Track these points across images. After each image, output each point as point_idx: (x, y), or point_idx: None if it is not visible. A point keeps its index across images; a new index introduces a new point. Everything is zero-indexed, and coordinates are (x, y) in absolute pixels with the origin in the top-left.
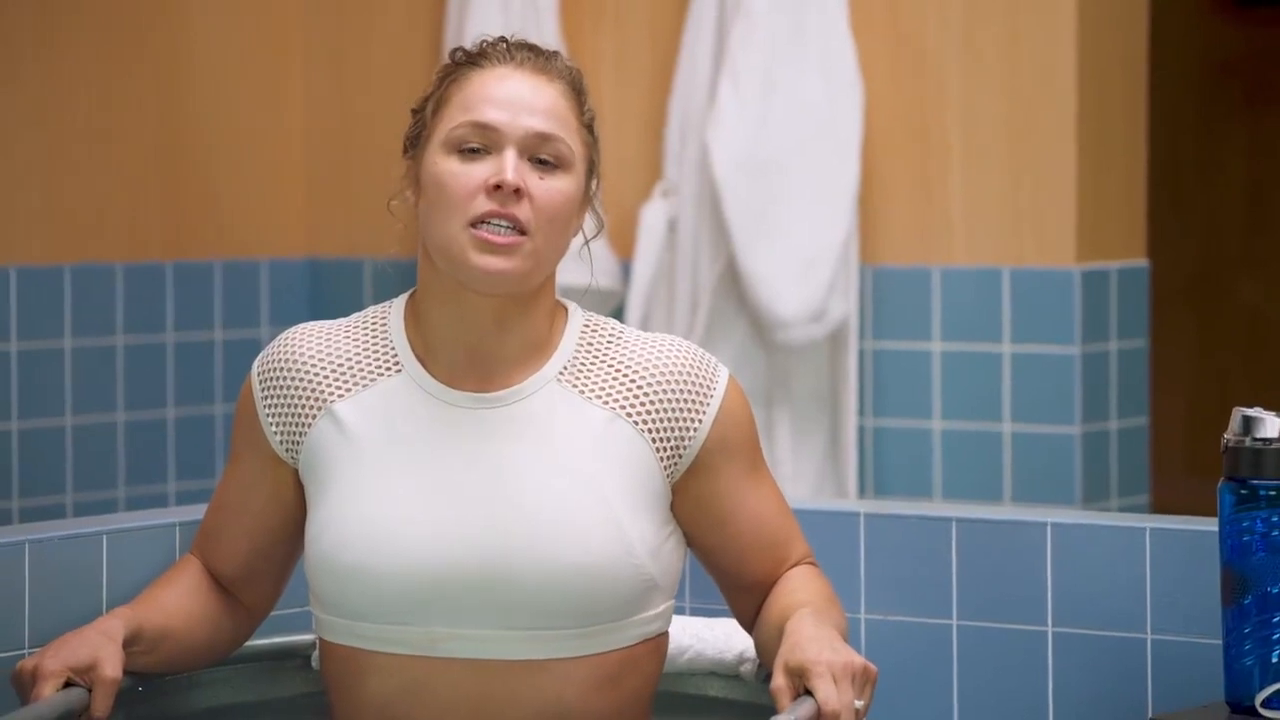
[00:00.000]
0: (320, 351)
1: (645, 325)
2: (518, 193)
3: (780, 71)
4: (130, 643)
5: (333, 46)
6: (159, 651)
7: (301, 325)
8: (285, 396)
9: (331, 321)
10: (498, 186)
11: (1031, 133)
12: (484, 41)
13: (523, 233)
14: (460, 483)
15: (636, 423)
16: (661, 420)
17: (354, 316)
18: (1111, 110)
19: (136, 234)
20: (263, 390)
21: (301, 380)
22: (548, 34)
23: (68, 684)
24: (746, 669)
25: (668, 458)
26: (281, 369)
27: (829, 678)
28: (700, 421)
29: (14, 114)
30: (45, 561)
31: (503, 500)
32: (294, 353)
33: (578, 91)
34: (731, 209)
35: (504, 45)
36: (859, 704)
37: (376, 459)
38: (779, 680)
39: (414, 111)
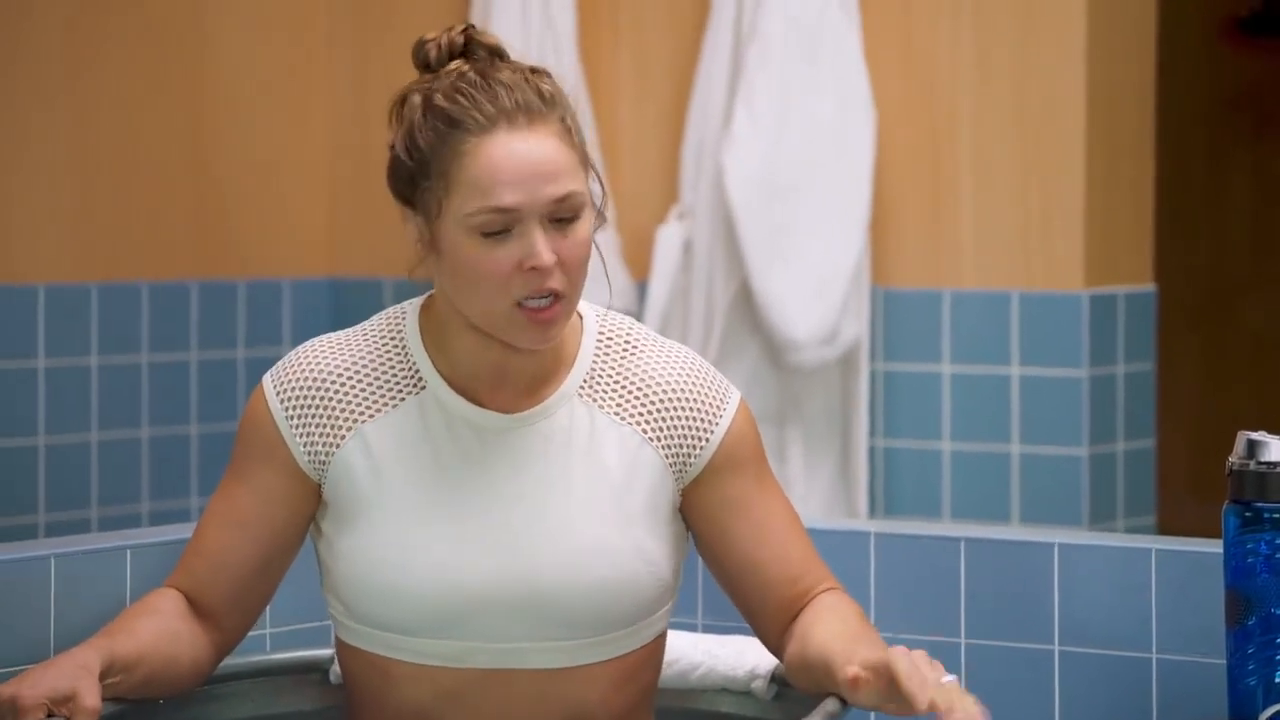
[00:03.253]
0: (343, 367)
1: None
2: (552, 267)
3: (794, 96)
4: (104, 674)
5: (355, 70)
6: (132, 680)
7: (316, 340)
8: (312, 412)
9: (343, 334)
10: (533, 269)
11: (1041, 159)
12: (458, 93)
13: (560, 298)
14: (489, 502)
15: (652, 439)
16: (673, 435)
17: (365, 327)
18: (1120, 137)
19: (162, 254)
20: (284, 406)
21: (328, 397)
22: (566, 59)
23: (48, 715)
24: (758, 685)
25: (676, 469)
26: (306, 385)
27: (908, 657)
28: (709, 439)
29: (44, 136)
30: (70, 575)
31: (532, 519)
32: (317, 368)
33: (564, 117)
34: (746, 231)
35: (481, 88)
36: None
37: (409, 482)
38: (855, 665)
39: (397, 160)
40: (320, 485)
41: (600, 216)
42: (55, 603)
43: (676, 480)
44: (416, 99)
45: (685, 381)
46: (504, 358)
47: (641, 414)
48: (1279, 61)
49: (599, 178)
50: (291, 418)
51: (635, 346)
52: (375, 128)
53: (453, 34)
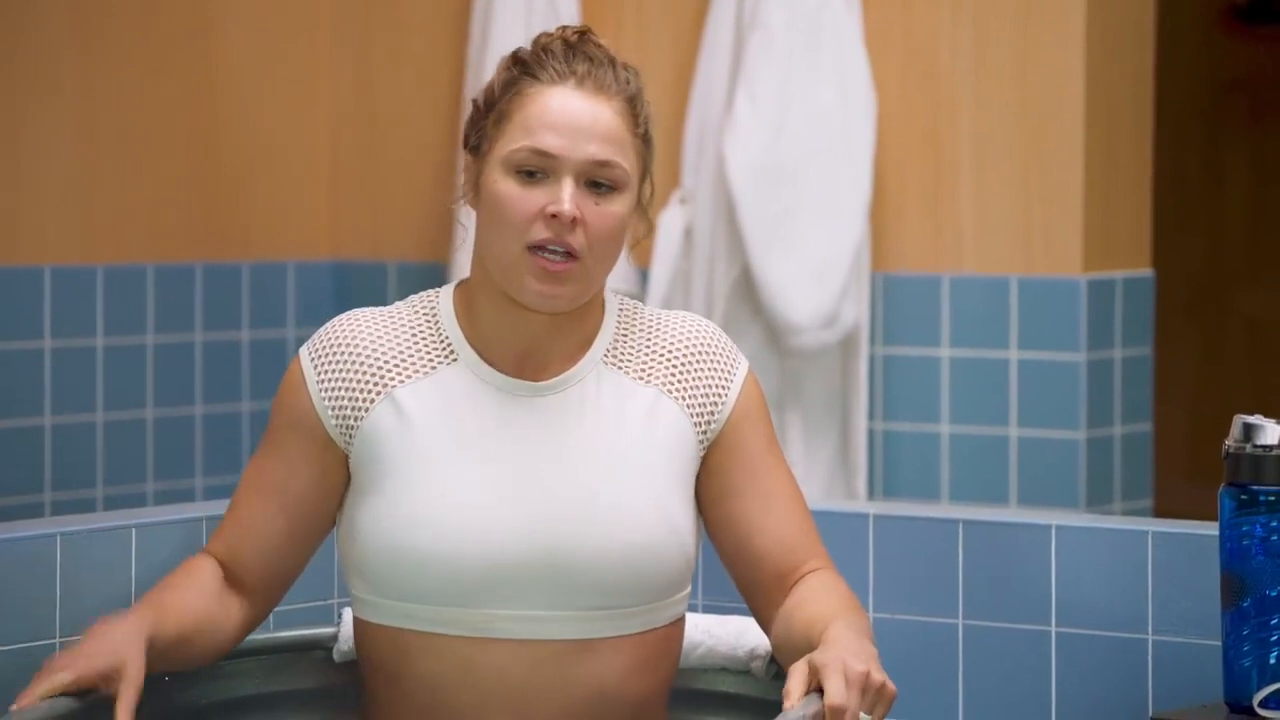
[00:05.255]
0: (378, 337)
1: None
2: (573, 221)
3: (795, 83)
4: (149, 646)
5: (360, 54)
6: (169, 655)
7: (354, 311)
8: (344, 379)
9: (380, 309)
10: (554, 216)
11: (1040, 145)
12: (543, 46)
13: (575, 257)
14: (518, 469)
15: (677, 398)
16: (696, 392)
17: (401, 304)
18: (1118, 124)
19: (167, 236)
20: (318, 373)
21: (361, 364)
22: None
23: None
24: (757, 665)
25: (702, 429)
26: (340, 352)
27: (841, 677)
28: (727, 392)
29: (50, 119)
30: (76, 553)
31: (558, 486)
32: (352, 336)
33: (634, 104)
34: (746, 217)
35: (562, 54)
36: (866, 718)
37: (437, 446)
38: (801, 665)
39: (475, 107)
40: (347, 456)
41: (647, 222)
42: (61, 581)
43: (700, 441)
44: (504, 58)
45: (700, 338)
46: (531, 337)
47: (663, 373)
48: (1276, 49)
49: (651, 183)
50: (323, 383)
51: (650, 316)
52: (379, 111)
53: (563, 32)
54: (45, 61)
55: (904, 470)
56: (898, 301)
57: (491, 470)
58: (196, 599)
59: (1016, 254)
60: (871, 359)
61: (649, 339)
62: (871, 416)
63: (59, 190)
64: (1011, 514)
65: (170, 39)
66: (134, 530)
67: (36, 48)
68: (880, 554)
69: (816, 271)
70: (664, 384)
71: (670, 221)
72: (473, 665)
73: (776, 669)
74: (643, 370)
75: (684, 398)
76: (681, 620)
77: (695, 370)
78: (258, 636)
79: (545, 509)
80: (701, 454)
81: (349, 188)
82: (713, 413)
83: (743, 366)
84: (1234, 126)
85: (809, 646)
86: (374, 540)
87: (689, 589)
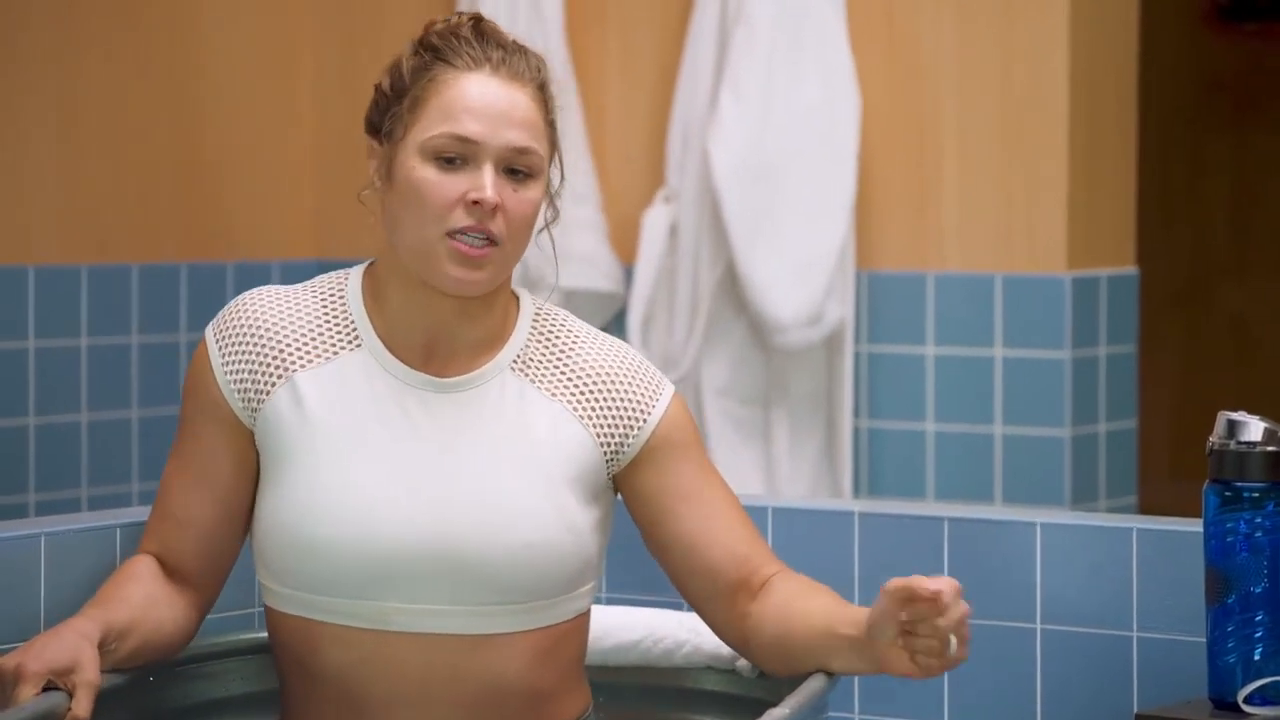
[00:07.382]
0: (281, 317)
1: (647, 327)
2: (494, 208)
3: (779, 81)
4: (102, 643)
5: (343, 53)
6: (125, 647)
7: (258, 289)
8: (246, 358)
9: (287, 287)
10: (476, 203)
11: (1024, 143)
12: (452, 31)
13: (494, 243)
14: (416, 463)
15: (582, 418)
16: (606, 419)
17: (310, 283)
18: (1102, 121)
19: (151, 236)
20: (221, 353)
21: (263, 344)
22: (553, 43)
23: (48, 686)
24: (742, 664)
25: (610, 453)
26: (242, 331)
27: (941, 580)
28: (645, 422)
29: (34, 119)
30: (60, 553)
31: (456, 481)
32: (254, 316)
33: (544, 91)
34: (731, 215)
35: (475, 40)
36: (954, 645)
37: (336, 436)
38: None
39: (380, 92)
40: (253, 434)
41: (554, 209)
42: (45, 581)
43: (609, 462)
44: (410, 44)
45: (619, 369)
46: (439, 326)
47: (574, 395)
48: (1259, 46)
49: (561, 169)
50: (228, 364)
51: (572, 333)
52: (362, 110)
53: (462, 18)
54: (27, 61)
55: (889, 468)
56: (882, 299)
57: (389, 464)
58: (139, 589)
59: (1001, 252)
60: (856, 357)
61: (563, 356)
62: (857, 414)
63: (43, 190)
64: (996, 511)
65: (152, 38)
66: (118, 530)
67: (19, 49)
68: (866, 552)
69: (801, 269)
70: (571, 403)
71: (655, 219)
72: (376, 657)
73: (758, 671)
74: (552, 385)
75: (591, 421)
76: (586, 614)
77: (606, 397)
78: (241, 636)
79: (443, 505)
80: (610, 475)
81: (332, 186)
82: (624, 440)
83: (665, 394)
84: (1218, 124)
85: (827, 633)
86: (273, 529)
87: (592, 584)
